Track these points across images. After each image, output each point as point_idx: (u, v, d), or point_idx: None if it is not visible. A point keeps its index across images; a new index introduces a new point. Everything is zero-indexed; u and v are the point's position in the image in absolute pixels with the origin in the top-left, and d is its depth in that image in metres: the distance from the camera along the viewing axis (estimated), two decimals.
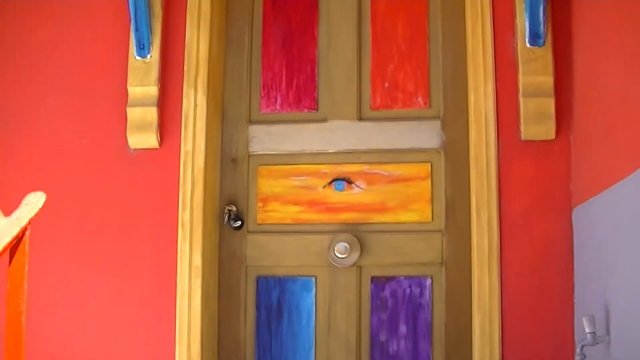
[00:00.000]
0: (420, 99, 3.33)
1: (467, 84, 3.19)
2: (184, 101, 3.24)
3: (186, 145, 3.21)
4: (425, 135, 3.28)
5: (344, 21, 3.39)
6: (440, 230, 3.25)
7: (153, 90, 3.21)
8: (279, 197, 3.36)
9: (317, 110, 3.38)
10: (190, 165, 3.21)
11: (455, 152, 3.25)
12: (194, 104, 3.24)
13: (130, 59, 3.24)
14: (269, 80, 3.42)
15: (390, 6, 3.38)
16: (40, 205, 2.21)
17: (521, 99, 3.03)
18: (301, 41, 3.42)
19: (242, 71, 3.43)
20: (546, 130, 3.04)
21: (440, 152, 3.27)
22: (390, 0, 3.39)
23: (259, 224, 3.37)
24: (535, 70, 3.02)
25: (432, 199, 3.28)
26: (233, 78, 3.43)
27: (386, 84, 3.35)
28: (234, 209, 3.34)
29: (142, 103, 3.21)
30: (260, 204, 3.37)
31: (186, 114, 3.24)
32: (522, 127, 3.04)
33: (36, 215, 2.19)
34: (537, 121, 3.03)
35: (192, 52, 3.26)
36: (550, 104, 3.02)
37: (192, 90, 3.23)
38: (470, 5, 3.12)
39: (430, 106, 3.33)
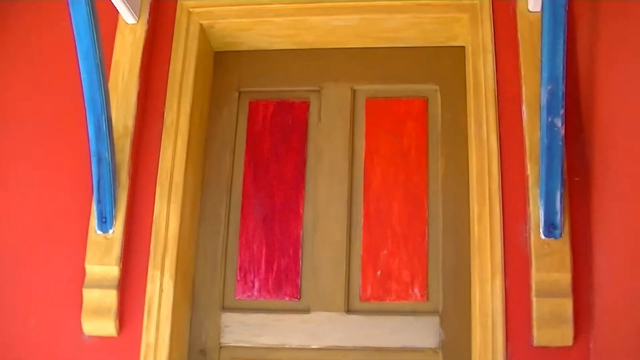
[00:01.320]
0: (416, 291, 2.94)
1: (471, 277, 2.80)
2: (149, 285, 2.82)
3: (148, 336, 2.77)
4: (421, 332, 2.87)
5: (332, 199, 3.05)
6: None
7: (114, 271, 2.80)
8: None
9: (299, 299, 2.98)
10: (152, 358, 2.74)
11: (455, 354, 2.83)
12: (160, 289, 2.82)
13: (90, 234, 2.84)
14: (246, 262, 3.03)
15: (385, 183, 3.04)
16: None
17: (534, 299, 2.64)
18: (284, 219, 3.06)
19: (217, 251, 3.04)
20: (562, 335, 2.62)
21: (438, 352, 2.85)
22: (385, 178, 3.05)
23: None
24: (550, 266, 2.64)
25: None
26: (206, 258, 3.03)
27: (378, 272, 2.96)
28: None
29: (100, 284, 2.79)
30: None
31: (150, 299, 2.81)
32: (534, 332, 2.63)
33: None
34: (552, 325, 2.62)
35: (160, 228, 2.86)
36: (567, 305, 2.62)
37: (159, 272, 2.82)
38: (477, 188, 2.77)
39: (427, 299, 2.93)
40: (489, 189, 2.78)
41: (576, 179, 2.71)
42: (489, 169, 2.79)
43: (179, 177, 2.92)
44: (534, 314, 2.63)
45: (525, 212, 2.73)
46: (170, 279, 2.81)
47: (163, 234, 2.86)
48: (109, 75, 2.92)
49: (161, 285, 2.82)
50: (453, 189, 2.97)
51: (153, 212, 2.88)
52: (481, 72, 2.89)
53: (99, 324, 2.77)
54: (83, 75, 2.61)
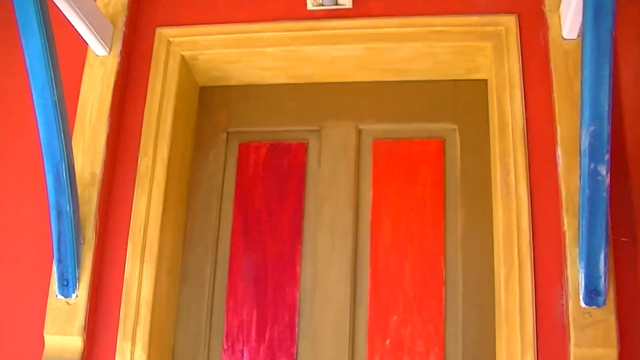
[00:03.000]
0: None
1: (497, 353, 2.36)
2: (118, 358, 2.39)
3: None
4: None
5: (334, 257, 2.64)
6: None
7: (77, 342, 2.40)
8: None
9: None
10: None
11: None
12: None
13: (50, 298, 2.43)
14: (234, 328, 2.61)
15: (396, 239, 2.63)
16: None
17: None
18: (279, 280, 2.64)
19: (200, 316, 2.63)
20: None
21: None
22: (395, 232, 2.64)
23: None
24: (593, 340, 2.21)
25: None
26: (187, 325, 2.63)
27: (388, 341, 2.54)
28: None
29: (61, 357, 2.39)
30: None
31: None
32: None
33: None
34: None
35: (131, 292, 2.46)
36: None
37: (129, 344, 2.42)
38: (503, 246, 2.35)
39: None
40: (518, 247, 2.36)
41: (623, 239, 2.27)
42: (518, 223, 2.36)
43: (154, 233, 2.51)
44: None
45: (562, 275, 2.30)
46: (142, 351, 2.40)
47: (135, 299, 2.45)
48: (74, 115, 2.54)
49: (132, 359, 2.39)
50: (475, 246, 2.55)
51: (124, 274, 2.48)
52: (507, 109, 2.48)
53: None
54: (39, 116, 2.22)
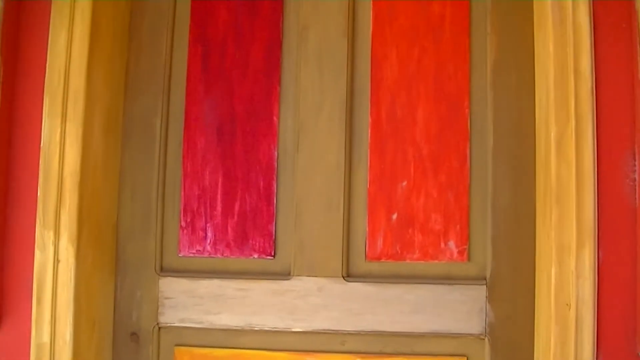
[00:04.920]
0: (452, 245, 1.92)
1: (538, 236, 1.75)
2: (37, 254, 1.84)
3: (40, 334, 1.84)
4: (459, 309, 1.89)
5: (323, 100, 1.97)
6: None
7: None
8: None
9: (274, 256, 1.99)
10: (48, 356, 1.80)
11: (510, 346, 1.86)
12: (54, 258, 1.84)
13: None
14: (193, 200, 2.01)
15: (404, 75, 1.98)
16: None
17: None
18: (250, 134, 2.01)
19: (149, 186, 2.03)
20: None
21: (483, 340, 1.86)
22: (403, 66, 1.99)
23: None
24: None
25: None
26: (133, 199, 2.04)
27: (394, 216, 1.92)
28: None
29: None
30: None
31: (40, 277, 1.83)
32: None
33: None
34: None
35: (51, 163, 1.86)
36: None
37: (51, 233, 1.82)
38: (554, 99, 1.69)
39: (469, 259, 1.93)
40: (576, 98, 1.70)
41: None
42: (576, 65, 1.68)
43: (78, 81, 1.87)
44: None
45: (634, 138, 1.63)
46: (69, 242, 1.82)
47: (56, 172, 1.85)
48: None
49: (56, 253, 1.81)
50: (510, 87, 1.90)
51: (40, 140, 1.82)
52: None
53: None
54: None
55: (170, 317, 1.99)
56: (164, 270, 2.01)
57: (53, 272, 1.82)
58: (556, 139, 1.69)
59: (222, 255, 2.01)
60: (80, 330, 1.84)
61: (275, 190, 1.99)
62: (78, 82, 1.86)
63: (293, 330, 1.94)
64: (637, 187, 1.66)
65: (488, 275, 1.88)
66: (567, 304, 1.67)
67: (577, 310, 1.66)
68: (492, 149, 1.90)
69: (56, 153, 1.84)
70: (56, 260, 1.83)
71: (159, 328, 2.00)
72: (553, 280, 1.68)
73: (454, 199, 1.92)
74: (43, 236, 1.83)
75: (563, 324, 1.67)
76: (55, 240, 1.82)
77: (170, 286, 1.99)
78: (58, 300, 1.82)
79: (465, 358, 1.90)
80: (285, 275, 1.97)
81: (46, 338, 1.82)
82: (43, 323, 1.82)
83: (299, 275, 1.95)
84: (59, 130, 1.85)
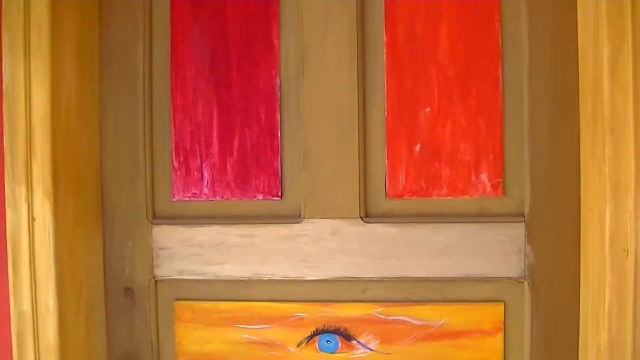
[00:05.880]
0: (484, 179, 1.69)
1: (581, 160, 1.54)
2: (9, 212, 1.58)
3: (19, 303, 1.63)
4: (493, 250, 1.67)
5: (330, 15, 1.70)
6: None
7: None
8: None
9: (281, 197, 1.74)
10: (31, 334, 1.59)
11: (551, 288, 1.66)
12: (29, 217, 1.58)
13: None
14: (186, 137, 1.76)
15: None
16: None
17: None
18: (248, 59, 1.75)
19: (135, 123, 1.78)
20: None
21: (522, 284, 1.66)
22: None
23: None
24: None
25: None
26: (117, 139, 1.78)
27: (417, 147, 1.68)
28: None
29: None
30: None
31: (14, 238, 1.58)
32: None
33: None
34: None
35: (16, 104, 1.60)
36: None
37: (23, 189, 1.57)
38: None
39: (504, 194, 1.69)
40: (633, 1, 1.43)
41: None
42: None
43: (40, 7, 1.56)
44: None
45: None
46: (44, 197, 1.57)
47: (23, 119, 1.59)
48: None
49: (30, 210, 1.57)
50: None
51: (2, 82, 1.55)
52: None
53: None
54: None
55: (167, 269, 1.77)
56: (157, 218, 1.78)
57: (28, 232, 1.59)
58: (609, 59, 1.44)
59: (222, 198, 1.77)
60: (65, 294, 1.62)
61: (279, 123, 1.74)
62: (40, 8, 1.57)
63: (306, 279, 1.73)
64: None
65: (526, 212, 1.66)
66: (625, 250, 1.45)
67: (637, 258, 1.44)
68: (528, 69, 1.65)
69: (21, 95, 1.58)
70: (31, 219, 1.59)
71: (156, 282, 1.79)
72: (607, 223, 1.46)
73: (485, 126, 1.68)
74: (14, 192, 1.58)
75: (619, 272, 1.46)
76: (28, 196, 1.58)
77: (165, 235, 1.76)
78: (37, 263, 1.59)
79: (503, 304, 1.70)
80: (294, 218, 1.74)
81: (27, 306, 1.60)
82: (22, 290, 1.60)
83: (310, 218, 1.72)
84: (22, 68, 1.57)
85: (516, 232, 1.66)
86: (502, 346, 1.71)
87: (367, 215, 1.72)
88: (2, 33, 1.56)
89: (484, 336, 1.71)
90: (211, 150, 1.76)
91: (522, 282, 1.67)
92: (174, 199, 1.78)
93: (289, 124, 1.74)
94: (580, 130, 1.60)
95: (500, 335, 1.70)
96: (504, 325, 1.70)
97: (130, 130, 1.75)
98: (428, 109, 1.69)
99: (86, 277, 1.70)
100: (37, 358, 1.60)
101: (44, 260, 1.59)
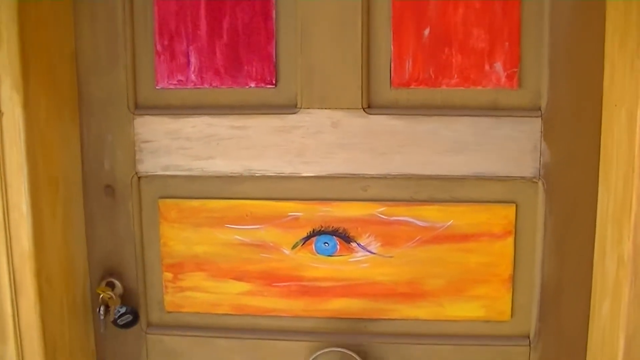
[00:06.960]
0: (499, 68, 1.54)
1: (605, 50, 1.40)
2: None
3: None
4: (507, 147, 1.55)
5: None
6: (528, 338, 1.63)
7: None
8: (204, 264, 1.68)
9: (276, 84, 1.60)
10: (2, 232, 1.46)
11: (568, 189, 1.55)
12: None
13: None
14: (170, 17, 1.60)
15: None
16: None
17: None
18: None
19: (114, 3, 1.57)
20: None
21: (536, 184, 1.54)
22: None
23: (169, 313, 1.72)
24: None
25: (513, 278, 1.61)
26: (93, 20, 1.58)
27: (425, 31, 1.52)
28: (117, 285, 1.67)
29: None
30: (169, 276, 1.69)
31: None
32: None
33: None
34: None
35: None
36: None
37: None
38: None
39: (520, 85, 1.54)
40: None
41: None
42: None
43: None
44: None
45: None
46: (12, 88, 1.42)
47: None
48: None
49: None
50: None
51: None
52: None
53: None
54: None
55: (150, 164, 1.63)
56: (139, 108, 1.63)
57: None
58: None
59: (211, 85, 1.61)
60: (39, 195, 1.48)
61: (273, 1, 1.57)
62: None
63: (303, 175, 1.61)
64: None
65: (544, 106, 1.52)
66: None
67: None
68: None
69: None
70: None
71: (139, 178, 1.65)
72: (639, 122, 1.31)
73: (501, 9, 1.53)
74: None
75: (619, 152, 1.33)
76: None
77: (148, 127, 1.62)
78: (7, 161, 1.44)
79: (515, 205, 1.58)
80: (290, 108, 1.59)
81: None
82: (19, 174, 1.46)
83: (308, 108, 1.58)
84: None
85: (532, 127, 1.53)
86: (512, 251, 1.60)
87: (370, 106, 1.58)
88: None
89: (493, 239, 1.59)
90: (199, 32, 1.59)
91: (536, 183, 1.55)
92: (157, 87, 1.63)
93: (285, 3, 1.57)
94: (607, 15, 1.44)
95: (511, 239, 1.59)
96: (515, 229, 1.59)
97: (108, 10, 1.58)
98: None
99: (62, 176, 1.56)
100: (11, 267, 1.46)
101: (14, 159, 1.44)
